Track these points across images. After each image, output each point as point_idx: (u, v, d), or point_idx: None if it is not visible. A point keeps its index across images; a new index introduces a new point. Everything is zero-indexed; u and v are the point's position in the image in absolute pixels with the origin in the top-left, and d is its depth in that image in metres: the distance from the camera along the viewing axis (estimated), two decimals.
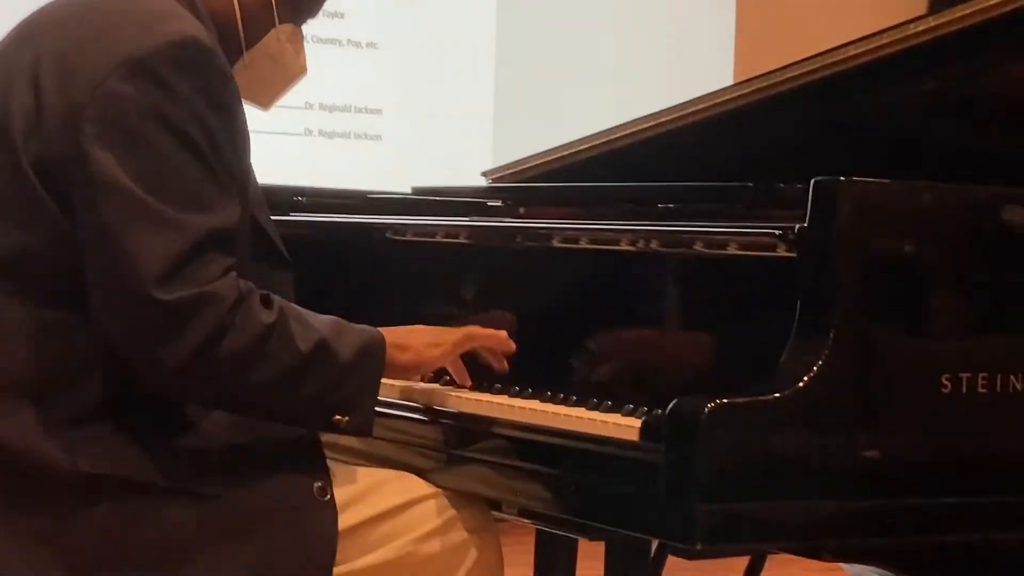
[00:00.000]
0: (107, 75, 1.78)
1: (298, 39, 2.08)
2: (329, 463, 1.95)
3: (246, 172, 1.91)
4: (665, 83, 5.09)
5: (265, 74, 2.04)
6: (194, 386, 1.80)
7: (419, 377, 2.12)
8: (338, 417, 1.88)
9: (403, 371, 2.02)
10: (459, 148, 4.94)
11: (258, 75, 2.03)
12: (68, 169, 1.77)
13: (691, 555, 1.73)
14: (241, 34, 2.00)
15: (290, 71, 2.09)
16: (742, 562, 2.70)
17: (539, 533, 2.52)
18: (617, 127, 2.59)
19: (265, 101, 2.11)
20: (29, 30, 1.92)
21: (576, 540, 2.48)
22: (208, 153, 1.79)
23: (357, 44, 4.94)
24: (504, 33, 5.18)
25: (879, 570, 1.85)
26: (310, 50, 4.87)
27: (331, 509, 1.88)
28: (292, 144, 4.84)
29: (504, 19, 5.18)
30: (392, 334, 1.97)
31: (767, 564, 2.67)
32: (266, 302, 1.82)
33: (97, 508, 1.77)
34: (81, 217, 1.77)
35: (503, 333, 2.07)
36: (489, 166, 2.79)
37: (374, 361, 1.91)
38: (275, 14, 2.02)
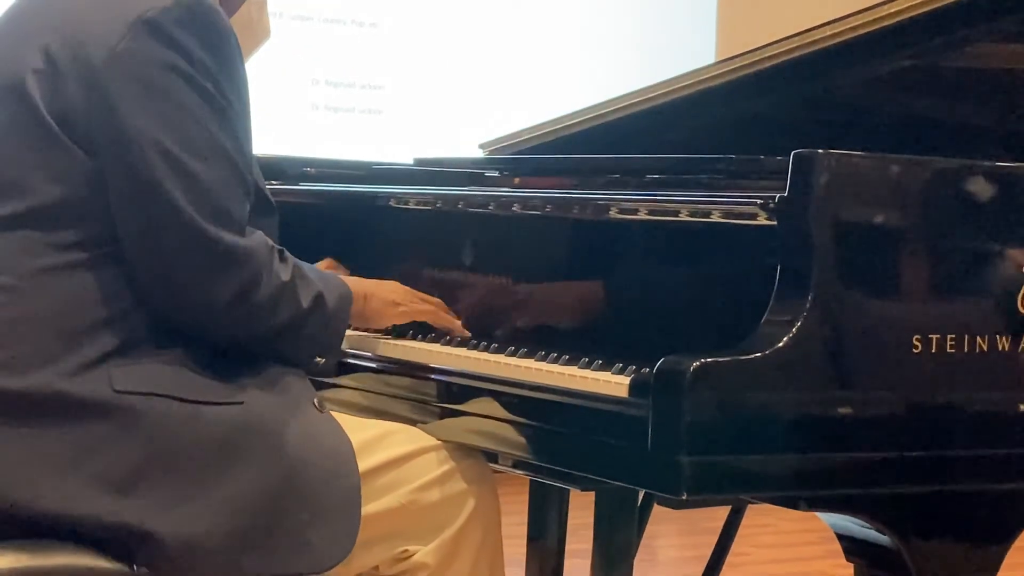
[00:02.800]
0: (121, 35, 1.81)
1: (263, 7, 2.16)
2: (334, 415, 1.97)
3: (247, 118, 1.94)
4: (648, 59, 5.08)
5: (241, 40, 2.02)
6: (226, 326, 1.88)
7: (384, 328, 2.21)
8: (318, 359, 1.99)
9: (365, 319, 2.14)
10: (455, 121, 4.92)
11: None
12: (95, 125, 1.81)
13: (676, 504, 1.73)
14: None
15: (257, 35, 2.16)
16: (723, 511, 2.71)
17: (533, 483, 2.52)
18: (607, 102, 2.59)
19: None
20: (28, 7, 1.93)
21: (568, 490, 2.49)
22: (218, 100, 1.85)
23: (360, 24, 4.93)
24: (497, 12, 5.15)
25: (853, 518, 1.85)
26: (316, 29, 4.86)
27: (333, 420, 1.93)
28: (299, 118, 4.84)
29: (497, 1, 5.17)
30: (359, 285, 2.10)
31: (747, 512, 2.68)
32: (282, 258, 1.93)
33: (135, 424, 1.78)
34: (115, 169, 1.81)
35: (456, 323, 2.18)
36: (484, 139, 2.78)
37: (345, 312, 2.03)
38: None
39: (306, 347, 1.97)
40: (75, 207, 1.82)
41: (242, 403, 1.84)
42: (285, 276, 1.90)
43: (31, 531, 1.76)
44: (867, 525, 1.84)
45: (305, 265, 1.99)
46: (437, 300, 2.20)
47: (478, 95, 5.08)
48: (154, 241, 1.82)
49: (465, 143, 3.01)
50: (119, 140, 1.80)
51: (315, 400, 1.93)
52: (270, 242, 1.91)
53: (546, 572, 2.54)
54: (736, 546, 4.12)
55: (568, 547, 2.57)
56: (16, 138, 1.84)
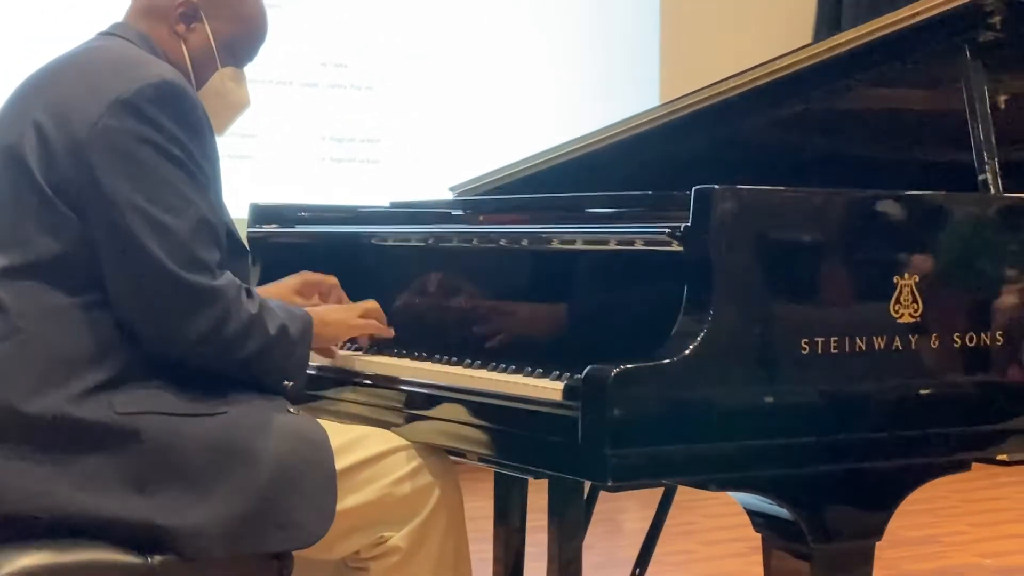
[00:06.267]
0: (100, 114, 1.79)
1: (240, 78, 2.08)
2: (320, 421, 1.95)
3: (216, 178, 1.91)
4: (603, 103, 5.06)
5: (214, 108, 2.01)
6: (200, 359, 1.84)
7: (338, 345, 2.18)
8: (286, 383, 1.93)
9: (324, 341, 2.08)
10: (441, 167, 4.89)
11: (210, 110, 2.00)
12: (83, 192, 1.79)
13: (606, 489, 1.71)
14: (192, 80, 2.00)
15: (235, 104, 2.09)
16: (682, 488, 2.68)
17: (496, 472, 2.50)
18: (555, 147, 2.58)
19: (218, 129, 2.07)
20: (26, 89, 1.93)
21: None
22: (188, 164, 1.82)
23: (357, 87, 4.92)
24: (469, 73, 5.13)
25: (757, 496, 1.82)
26: (322, 95, 4.82)
27: (313, 420, 1.91)
28: (310, 169, 4.84)
29: (467, 61, 5.13)
30: (318, 313, 2.04)
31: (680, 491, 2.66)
32: (249, 294, 1.88)
33: (140, 436, 1.77)
34: (100, 228, 1.79)
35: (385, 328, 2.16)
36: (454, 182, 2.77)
37: (308, 338, 1.97)
38: (217, 61, 2.02)
39: (275, 372, 1.92)
40: (70, 260, 1.81)
41: (226, 412, 1.83)
42: (253, 310, 1.86)
43: (60, 533, 1.75)
44: (771, 501, 1.82)
45: (270, 300, 1.96)
46: (373, 305, 2.16)
47: (459, 144, 5.06)
48: (134, 287, 1.80)
49: (450, 184, 2.99)
50: (101, 203, 1.79)
51: (288, 406, 1.91)
52: (238, 281, 1.87)
53: (511, 547, 2.51)
54: (688, 515, 4.10)
55: (529, 524, 2.55)
56: (18, 201, 1.83)
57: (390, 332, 2.17)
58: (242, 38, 2.05)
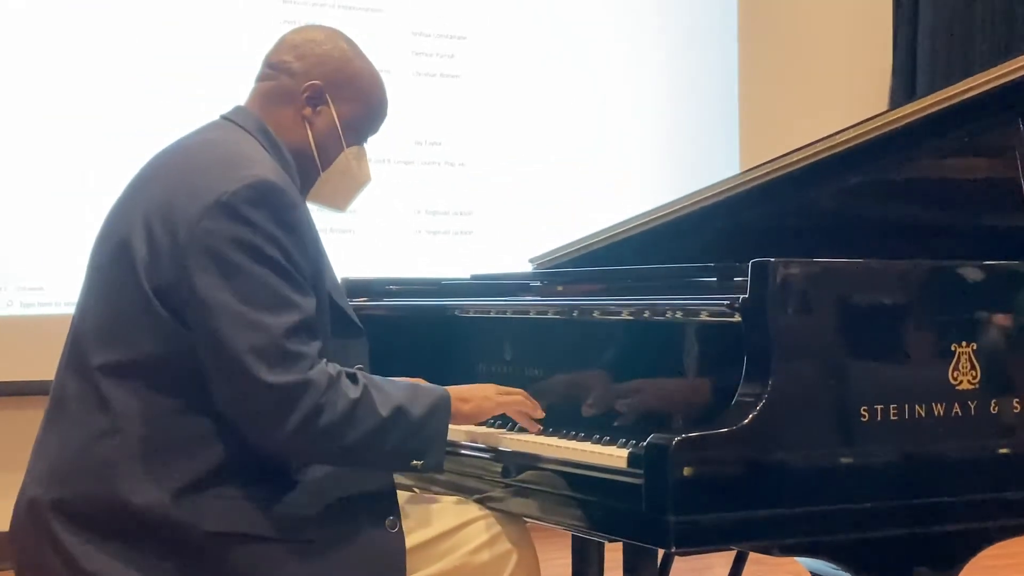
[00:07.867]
0: (201, 217, 1.79)
1: (362, 156, 2.08)
2: (401, 492, 1.97)
3: (319, 271, 1.90)
4: (683, 178, 5.07)
5: (339, 186, 2.04)
6: (300, 452, 1.82)
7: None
8: (415, 462, 1.88)
9: (466, 418, 2.02)
10: (529, 237, 4.93)
11: (334, 187, 2.03)
12: (179, 293, 1.79)
13: (672, 555, 1.73)
14: (317, 161, 2.01)
15: (357, 181, 2.09)
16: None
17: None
18: (633, 218, 2.62)
19: (342, 205, 2.10)
20: (141, 180, 1.94)
21: None
22: (284, 263, 1.80)
23: (451, 164, 5.00)
24: (555, 145, 5.18)
25: (822, 561, 1.82)
26: (418, 171, 4.88)
27: (400, 538, 1.88)
28: (407, 241, 4.92)
29: (554, 134, 5.18)
30: (456, 390, 1.98)
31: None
32: (352, 379, 1.82)
33: (224, 559, 1.77)
34: (195, 328, 1.78)
35: (536, 406, 2.07)
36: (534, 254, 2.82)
37: (442, 414, 1.91)
38: (343, 142, 2.03)
39: (392, 457, 1.86)
40: (168, 362, 1.80)
41: (312, 541, 1.81)
42: (354, 395, 1.80)
43: None
44: (835, 566, 1.82)
45: (394, 380, 1.90)
46: (520, 392, 2.08)
47: (548, 214, 5.11)
48: (227, 388, 1.77)
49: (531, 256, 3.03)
50: (196, 306, 1.77)
51: (388, 520, 1.88)
52: (333, 369, 1.80)
53: None
54: (774, 573, 4.02)
55: None
56: (123, 297, 1.83)
57: (539, 412, 2.07)
58: (365, 117, 2.05)
